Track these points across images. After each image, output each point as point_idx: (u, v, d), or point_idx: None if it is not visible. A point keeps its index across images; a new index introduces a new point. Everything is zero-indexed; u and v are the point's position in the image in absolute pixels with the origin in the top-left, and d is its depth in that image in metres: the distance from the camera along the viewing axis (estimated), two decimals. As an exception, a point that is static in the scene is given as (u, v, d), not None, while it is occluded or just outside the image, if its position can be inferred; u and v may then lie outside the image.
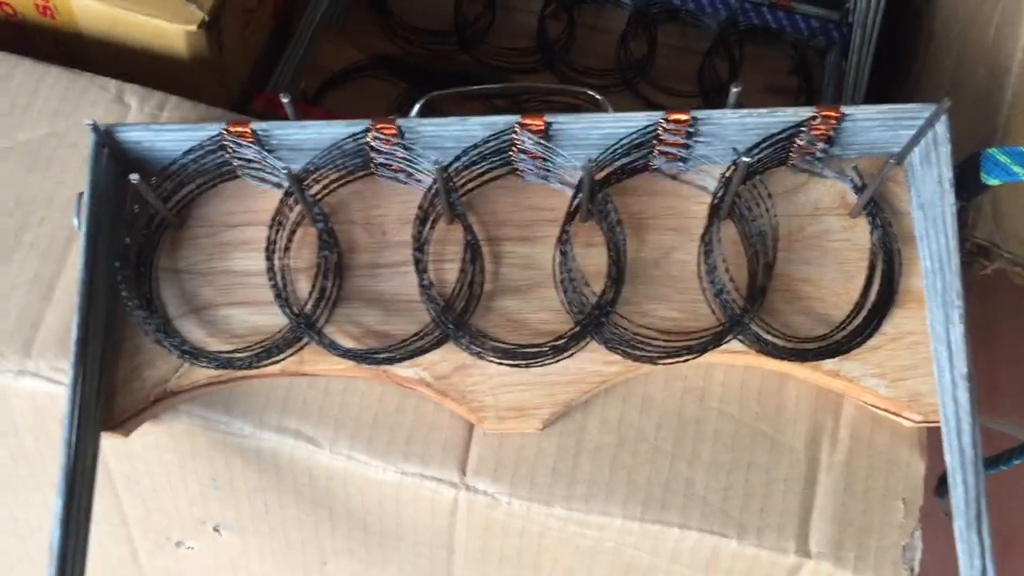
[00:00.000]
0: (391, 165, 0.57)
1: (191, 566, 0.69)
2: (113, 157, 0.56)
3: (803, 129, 0.55)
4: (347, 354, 0.54)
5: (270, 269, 0.55)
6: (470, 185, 0.58)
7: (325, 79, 0.85)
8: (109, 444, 0.60)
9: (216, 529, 0.65)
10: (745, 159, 0.52)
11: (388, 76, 0.87)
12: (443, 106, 0.84)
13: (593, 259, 0.58)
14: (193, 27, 0.68)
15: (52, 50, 0.75)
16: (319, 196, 0.58)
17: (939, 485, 0.61)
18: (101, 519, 0.67)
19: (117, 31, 0.71)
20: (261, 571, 0.68)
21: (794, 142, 0.56)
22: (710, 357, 0.56)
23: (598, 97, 0.61)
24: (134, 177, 0.52)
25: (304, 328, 0.54)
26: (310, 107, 0.77)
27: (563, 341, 0.55)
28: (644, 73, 0.91)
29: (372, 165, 0.58)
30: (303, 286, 0.57)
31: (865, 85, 0.87)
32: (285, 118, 0.76)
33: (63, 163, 0.63)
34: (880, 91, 0.92)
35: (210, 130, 0.55)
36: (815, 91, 0.92)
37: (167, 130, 0.55)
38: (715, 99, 0.90)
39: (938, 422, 0.53)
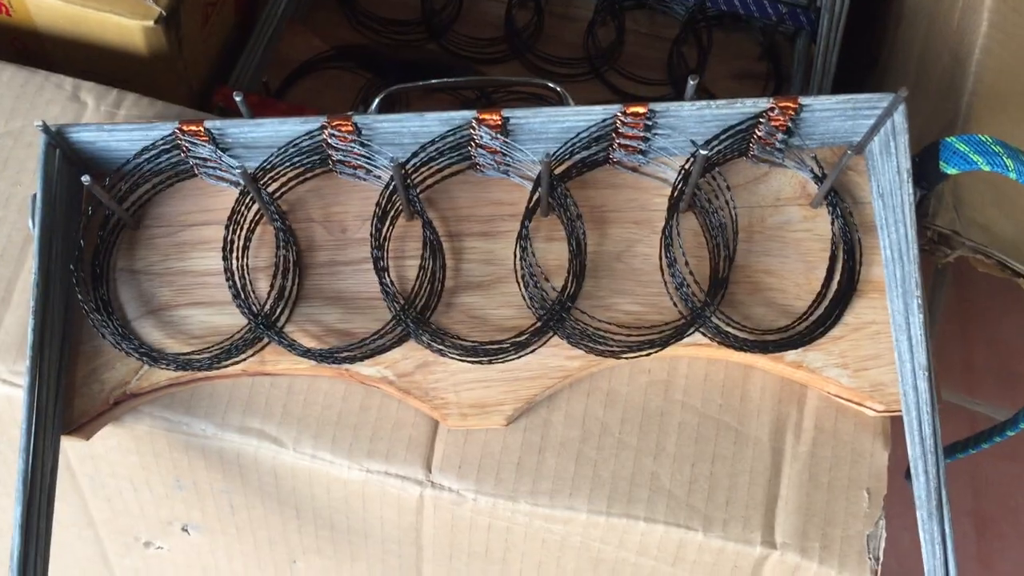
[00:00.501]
0: (349, 162, 0.57)
1: (161, 566, 0.69)
2: (66, 158, 0.56)
3: (761, 120, 0.55)
4: (307, 354, 0.54)
5: (227, 269, 0.55)
6: (430, 181, 0.58)
7: (290, 71, 0.85)
8: (71, 446, 0.60)
9: (184, 529, 0.65)
10: (703, 152, 0.52)
11: (353, 67, 0.86)
12: (408, 98, 0.84)
13: (555, 253, 0.57)
14: (150, 23, 0.68)
15: (8, 47, 0.74)
16: (277, 194, 0.57)
17: (909, 471, 0.61)
18: (68, 521, 0.67)
19: (73, 27, 0.70)
20: (231, 570, 0.67)
21: (753, 133, 0.56)
22: (674, 350, 0.56)
23: (557, 89, 0.60)
24: (85, 179, 0.51)
25: (263, 328, 0.54)
26: (273, 100, 0.76)
27: (525, 337, 0.54)
28: (612, 61, 0.90)
29: (330, 162, 0.57)
30: (263, 285, 0.57)
31: (833, 70, 0.87)
32: (247, 110, 0.75)
33: (20, 163, 0.62)
34: (850, 76, 0.92)
35: (163, 129, 0.55)
36: (784, 77, 0.92)
37: (120, 130, 0.55)
38: (684, 86, 0.90)
39: (900, 411, 0.53)
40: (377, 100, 0.61)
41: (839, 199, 0.57)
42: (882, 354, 0.55)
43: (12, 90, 0.64)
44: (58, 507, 0.54)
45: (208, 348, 0.55)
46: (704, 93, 0.90)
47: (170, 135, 0.55)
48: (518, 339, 0.54)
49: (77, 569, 0.72)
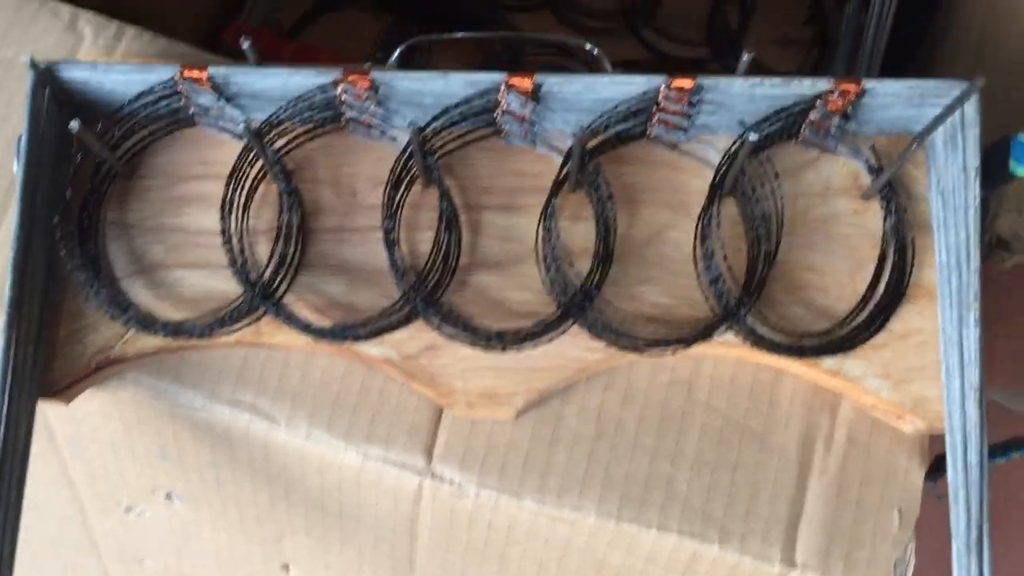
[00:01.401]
0: (364, 120, 0.52)
1: (142, 531, 0.66)
2: (55, 98, 0.51)
3: (817, 103, 0.50)
4: (307, 329, 0.50)
5: (225, 231, 0.50)
6: (450, 146, 0.53)
7: (307, 8, 0.79)
8: (51, 407, 0.56)
9: (168, 497, 0.61)
10: (752, 136, 0.47)
11: (375, 7, 0.81)
12: (431, 47, 0.79)
13: (580, 234, 0.53)
14: (157, -51, 0.62)
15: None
16: (283, 150, 0.53)
17: (932, 467, 0.57)
18: (47, 480, 0.63)
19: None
20: (215, 541, 0.64)
21: (807, 116, 0.51)
22: (701, 348, 0.52)
23: (595, 51, 0.55)
24: (74, 125, 0.47)
25: (260, 299, 0.49)
26: (285, 41, 0.71)
27: (543, 324, 0.50)
28: (649, 17, 0.85)
29: (343, 119, 0.52)
30: (263, 249, 0.52)
31: (885, 42, 0.81)
32: (260, 49, 0.70)
33: (9, 96, 0.57)
34: (900, 47, 0.86)
35: (163, 73, 0.50)
36: (829, 44, 0.86)
37: (115, 70, 0.50)
38: (723, 49, 0.84)
39: (943, 431, 0.49)
40: (397, 52, 0.56)
41: (894, 194, 0.52)
42: (927, 367, 0.51)
43: (6, 15, 0.59)
44: (36, 466, 0.50)
45: (201, 315, 0.51)
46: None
47: (170, 80, 0.50)
48: (535, 328, 0.50)
49: (54, 528, 0.69)
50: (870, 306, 0.51)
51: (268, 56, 0.69)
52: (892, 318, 0.51)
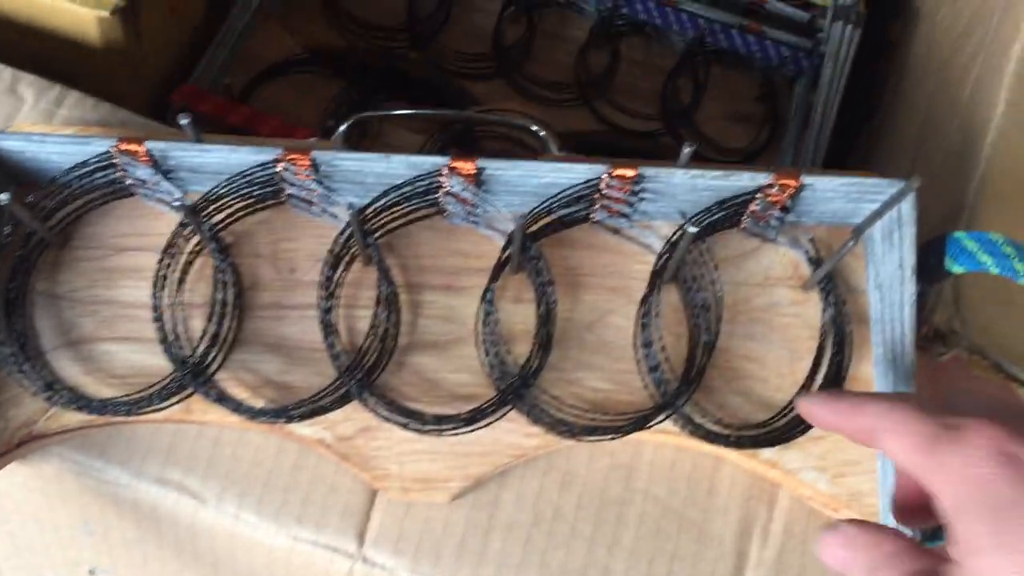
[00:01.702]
0: (304, 197, 0.51)
1: (65, 605, 0.64)
2: (-11, 165, 0.50)
3: (758, 196, 0.50)
4: (237, 409, 0.49)
5: (156, 307, 0.49)
6: (392, 224, 0.52)
7: (258, 71, 0.79)
8: (-29, 480, 0.54)
9: (92, 572, 0.59)
10: (692, 228, 0.47)
11: (327, 72, 0.81)
12: (382, 108, 0.79)
13: (521, 316, 0.52)
14: (106, 13, 0.62)
15: (-53, 23, 0.68)
16: (222, 224, 0.52)
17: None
18: (-34, 551, 0.61)
19: (24, 9, 0.64)
20: (140, 618, 0.62)
21: (747, 207, 0.51)
22: (641, 434, 0.51)
23: (541, 133, 0.55)
24: (3, 198, 0.45)
25: (190, 378, 0.48)
26: (234, 104, 0.71)
27: (480, 410, 0.49)
28: (603, 89, 0.86)
29: (284, 195, 0.52)
30: (199, 324, 0.51)
31: (833, 121, 0.83)
32: (208, 112, 0.70)
33: (-58, 159, 0.56)
34: (847, 126, 0.88)
35: (99, 145, 0.49)
36: (781, 121, 0.87)
37: (51, 141, 0.49)
38: (676, 123, 0.85)
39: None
40: (343, 128, 0.55)
41: (833, 285, 0.52)
42: (864, 460, 0.51)
43: (-58, 76, 0.58)
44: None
45: (130, 391, 0.50)
46: (696, 133, 0.85)
47: (106, 152, 0.49)
48: (472, 413, 0.49)
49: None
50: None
51: (217, 120, 0.69)
52: (830, 410, 0.51)
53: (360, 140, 0.75)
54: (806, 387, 0.51)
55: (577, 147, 0.82)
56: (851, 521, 0.39)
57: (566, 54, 0.87)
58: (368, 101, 0.78)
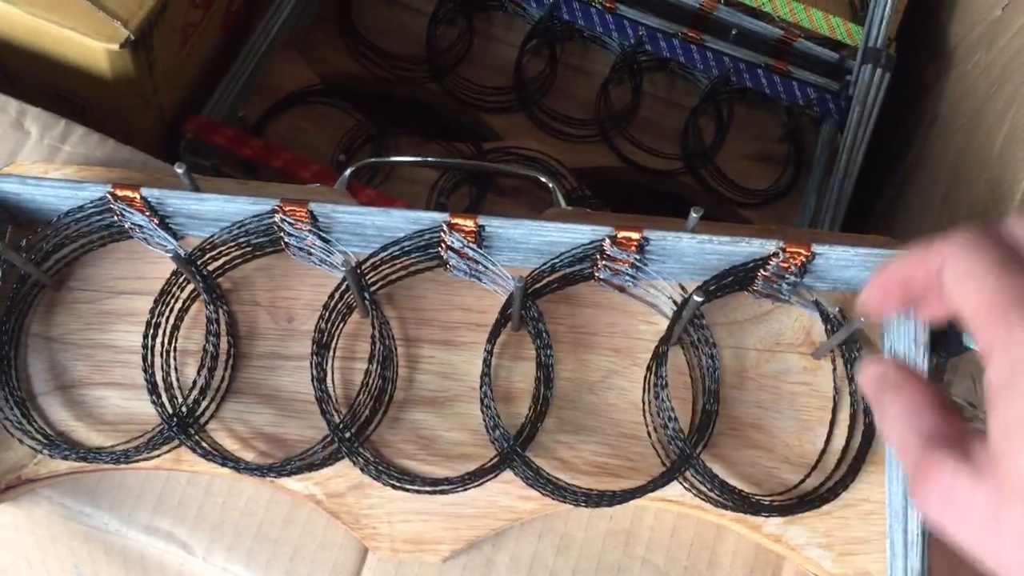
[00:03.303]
0: (303, 247, 0.50)
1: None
2: (-14, 206, 0.49)
3: (771, 261, 0.48)
4: (226, 463, 0.48)
5: (146, 356, 0.48)
6: (392, 276, 0.51)
7: (274, 101, 0.78)
8: (-39, 519, 0.54)
9: (82, 613, 0.58)
10: (697, 298, 0.45)
11: (343, 104, 0.80)
12: (398, 142, 0.78)
13: (521, 374, 0.51)
14: (115, 46, 0.61)
15: (-38, 49, 0.68)
16: (219, 271, 0.51)
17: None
18: (-42, 585, 0.61)
19: (34, 40, 0.63)
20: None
21: (759, 271, 0.49)
22: (641, 500, 0.49)
23: (550, 185, 0.54)
24: (-4, 244, 0.45)
25: (176, 432, 0.47)
26: (246, 138, 0.70)
27: (475, 473, 0.48)
28: (623, 125, 0.84)
29: (283, 243, 0.51)
30: (192, 371, 0.50)
31: (859, 165, 0.81)
32: (218, 145, 0.69)
33: (-54, 191, 0.55)
34: (873, 170, 0.86)
35: (95, 191, 0.48)
36: (805, 164, 0.85)
37: (47, 185, 0.48)
38: (696, 161, 0.83)
39: (885, 608, 0.47)
40: (348, 172, 0.54)
41: (846, 353, 0.50)
42: (872, 539, 0.49)
43: (-50, 107, 0.57)
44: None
45: (120, 439, 0.49)
46: (717, 172, 0.83)
47: (102, 199, 0.48)
48: (466, 476, 0.48)
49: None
50: (818, 474, 0.49)
51: (229, 152, 0.68)
52: (841, 491, 0.49)
53: (373, 175, 0.74)
54: (817, 462, 0.49)
55: (593, 183, 0.81)
56: (891, 361, 0.35)
57: (587, 89, 0.86)
58: (384, 134, 0.77)
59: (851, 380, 0.50)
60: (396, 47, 0.83)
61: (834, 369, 0.50)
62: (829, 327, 0.51)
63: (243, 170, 0.72)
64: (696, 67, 0.84)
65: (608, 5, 0.84)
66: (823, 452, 0.49)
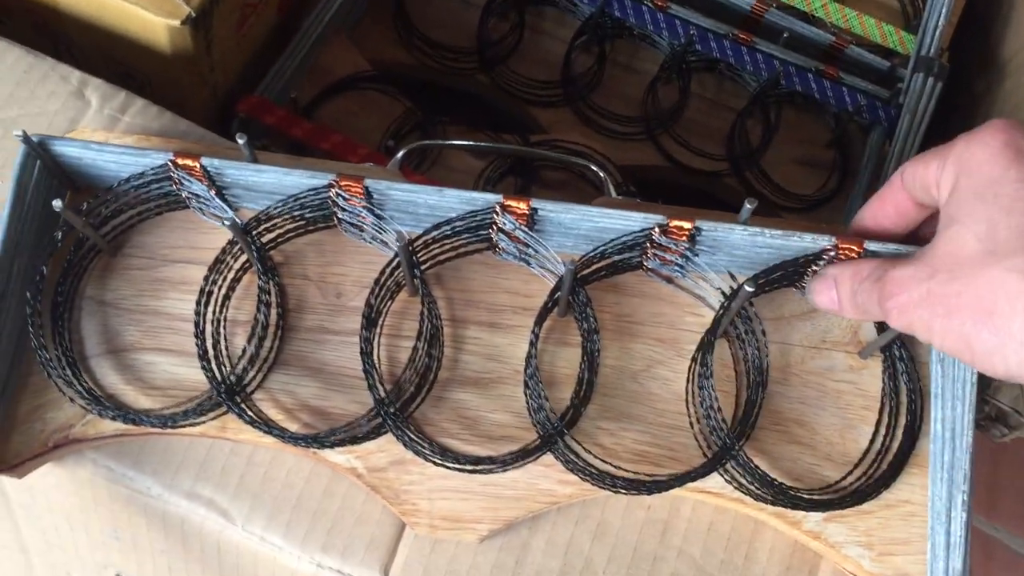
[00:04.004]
0: (356, 223, 0.51)
1: (91, 606, 0.64)
2: (47, 169, 0.50)
3: (821, 258, 0.48)
4: (271, 431, 0.48)
5: (198, 323, 0.49)
6: (442, 256, 0.52)
7: (325, 85, 0.79)
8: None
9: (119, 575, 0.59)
10: (749, 288, 0.45)
11: (393, 90, 0.80)
12: (445, 130, 0.78)
13: (566, 359, 0.51)
14: (176, 22, 0.62)
15: (25, 19, 0.69)
16: (272, 244, 0.52)
17: None
18: (0, 542, 0.62)
19: (96, 13, 0.64)
20: (162, 627, 0.62)
21: (809, 267, 0.49)
22: (679, 490, 0.49)
23: (601, 174, 0.54)
24: (57, 204, 0.46)
25: (226, 398, 0.48)
26: (297, 119, 0.70)
27: (517, 454, 0.48)
28: (669, 124, 0.84)
29: (336, 218, 0.51)
30: (241, 341, 0.51)
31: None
32: (271, 124, 0.70)
33: (5, 156, 0.57)
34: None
35: (156, 158, 0.49)
36: (851, 170, 0.85)
37: (108, 151, 0.49)
38: (742, 164, 0.83)
39: (923, 609, 0.47)
40: (400, 154, 0.55)
41: (897, 355, 0.50)
42: (913, 540, 0.48)
43: (14, 74, 0.58)
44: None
45: (167, 403, 0.50)
46: (762, 175, 0.83)
47: (162, 166, 0.49)
48: (507, 456, 0.48)
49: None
50: (860, 471, 0.49)
51: (280, 132, 0.69)
52: (883, 489, 0.49)
53: (420, 161, 0.74)
54: (860, 460, 0.49)
55: (638, 181, 0.81)
56: (832, 263, 0.47)
57: (635, 86, 0.86)
58: (432, 122, 0.78)
59: (896, 379, 0.50)
60: (447, 37, 0.84)
61: (883, 370, 0.50)
62: (877, 326, 0.50)
63: (292, 151, 0.72)
64: (746, 69, 0.84)
65: (660, 4, 0.84)
66: (867, 451, 0.49)
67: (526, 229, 0.48)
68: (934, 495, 0.48)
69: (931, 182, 0.43)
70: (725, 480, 0.49)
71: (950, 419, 0.48)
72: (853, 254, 0.47)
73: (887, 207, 0.47)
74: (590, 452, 0.49)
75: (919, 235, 0.47)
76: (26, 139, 0.47)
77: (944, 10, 0.82)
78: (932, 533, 0.47)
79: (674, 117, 0.84)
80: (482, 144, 0.65)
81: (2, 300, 0.48)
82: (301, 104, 0.76)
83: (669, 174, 0.84)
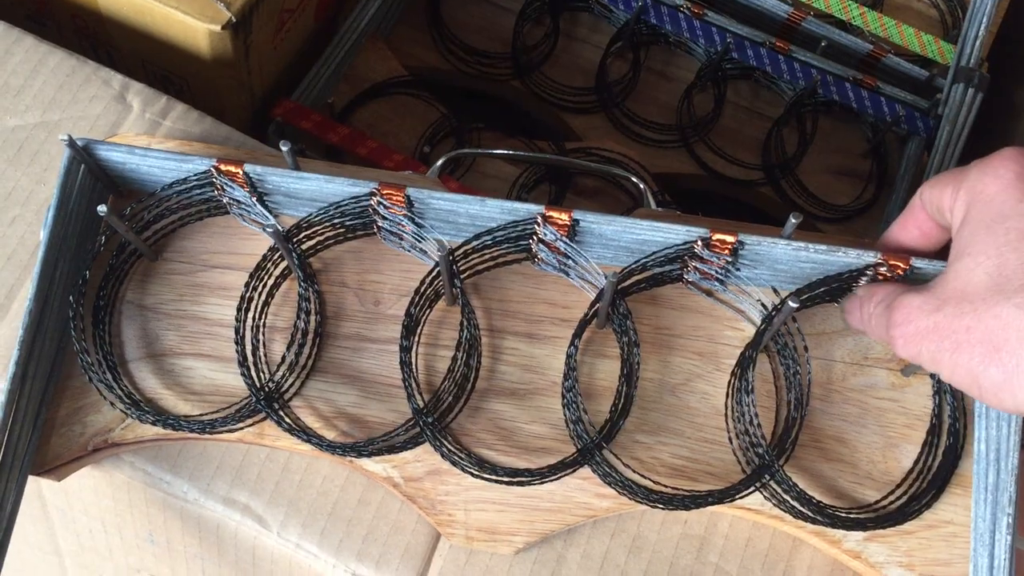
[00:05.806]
0: (396, 232, 0.51)
1: (123, 608, 0.64)
2: (91, 173, 0.51)
3: (867, 272, 0.48)
4: (309, 439, 0.48)
5: (238, 330, 0.49)
6: (480, 266, 0.51)
7: (361, 90, 0.79)
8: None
9: (152, 579, 0.60)
10: (793, 304, 0.45)
11: (428, 96, 0.80)
12: (480, 138, 0.78)
13: (604, 372, 0.51)
14: (217, 27, 0.62)
15: (69, 23, 0.70)
16: (312, 252, 0.52)
17: None
18: (34, 544, 0.62)
19: (137, 17, 0.65)
20: (194, 630, 0.62)
21: (853, 283, 0.49)
22: (717, 507, 0.49)
23: (641, 186, 0.54)
24: (101, 209, 0.46)
25: (264, 404, 0.48)
26: (333, 123, 0.71)
27: (554, 467, 0.48)
28: (704, 131, 0.84)
29: (375, 226, 0.51)
30: (279, 348, 0.51)
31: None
32: (308, 129, 0.70)
33: (49, 159, 0.57)
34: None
35: (199, 164, 0.49)
36: (888, 182, 0.84)
37: (152, 156, 0.49)
38: (777, 173, 0.82)
39: (964, 633, 0.46)
40: (439, 163, 0.55)
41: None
42: (954, 561, 0.48)
43: (57, 78, 0.59)
44: (25, 529, 0.49)
45: (204, 411, 0.50)
46: (797, 184, 0.83)
47: (205, 172, 0.49)
48: (544, 469, 0.48)
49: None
50: (902, 491, 0.49)
51: (316, 137, 0.69)
52: (925, 510, 0.48)
53: (455, 168, 0.74)
54: (903, 482, 0.49)
55: (672, 189, 0.81)
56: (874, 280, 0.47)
57: (669, 94, 0.85)
58: (466, 127, 0.78)
59: (940, 397, 0.49)
60: (482, 43, 0.84)
61: (928, 388, 0.50)
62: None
63: (327, 157, 0.72)
64: (783, 77, 0.84)
65: (696, 11, 0.83)
66: (910, 471, 0.48)
67: (567, 240, 0.48)
68: (977, 516, 0.47)
69: (945, 207, 0.43)
70: (764, 497, 0.48)
71: (994, 439, 0.47)
72: (899, 271, 0.46)
73: (911, 228, 0.47)
74: (628, 466, 0.49)
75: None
76: (71, 143, 0.48)
77: (984, 20, 0.81)
78: (975, 555, 0.47)
79: (709, 125, 0.84)
80: (521, 154, 0.65)
81: (45, 304, 0.48)
82: (336, 109, 0.76)
83: (703, 182, 0.84)
